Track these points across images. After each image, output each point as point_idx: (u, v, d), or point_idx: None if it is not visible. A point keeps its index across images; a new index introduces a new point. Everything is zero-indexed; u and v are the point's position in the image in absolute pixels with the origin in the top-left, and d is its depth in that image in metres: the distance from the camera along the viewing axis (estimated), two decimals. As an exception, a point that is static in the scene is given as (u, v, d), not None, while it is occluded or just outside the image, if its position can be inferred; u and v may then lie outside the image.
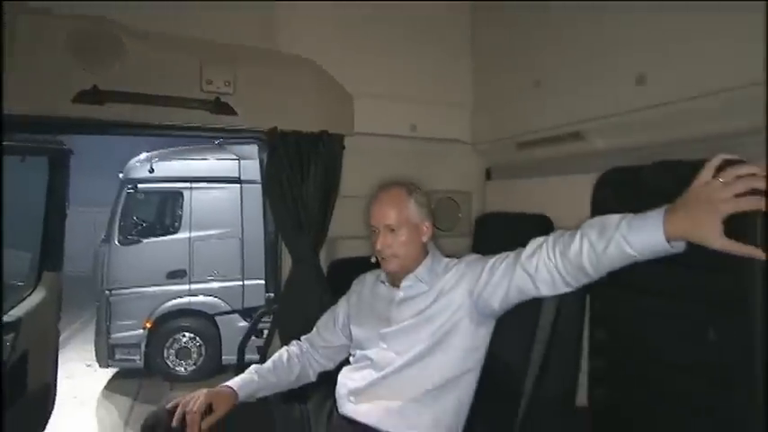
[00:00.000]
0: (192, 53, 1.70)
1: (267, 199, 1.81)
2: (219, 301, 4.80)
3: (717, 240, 0.86)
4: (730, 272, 0.99)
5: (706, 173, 0.90)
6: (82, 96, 1.53)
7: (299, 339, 1.60)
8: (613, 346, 1.30)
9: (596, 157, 1.40)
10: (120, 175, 4.89)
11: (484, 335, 1.37)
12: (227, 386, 1.38)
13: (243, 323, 4.65)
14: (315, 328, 1.61)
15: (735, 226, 0.86)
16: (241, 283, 4.80)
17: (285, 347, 1.59)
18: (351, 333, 1.51)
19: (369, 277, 1.58)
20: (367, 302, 1.50)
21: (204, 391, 1.32)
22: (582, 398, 1.39)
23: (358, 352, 1.45)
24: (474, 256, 1.40)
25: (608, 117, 1.37)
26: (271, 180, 1.80)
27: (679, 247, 0.92)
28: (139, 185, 4.76)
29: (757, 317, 0.96)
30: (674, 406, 1.12)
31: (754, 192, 0.84)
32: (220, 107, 1.68)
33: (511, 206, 1.79)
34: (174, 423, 1.24)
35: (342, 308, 1.58)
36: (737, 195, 0.85)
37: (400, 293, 1.41)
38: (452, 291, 1.34)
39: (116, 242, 4.72)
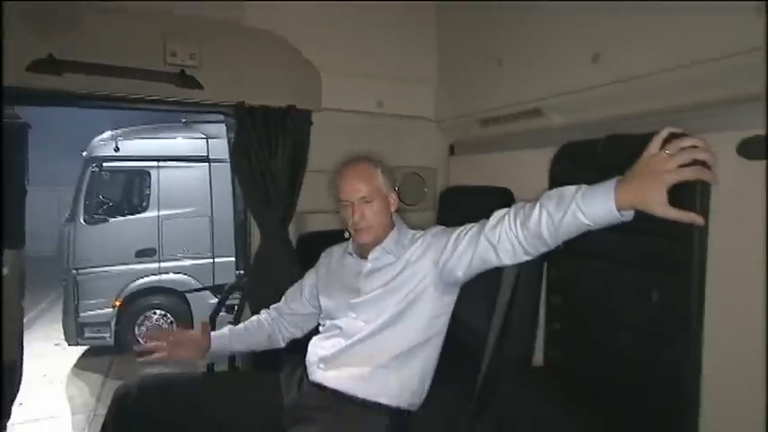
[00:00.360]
0: (154, 24, 1.60)
1: (235, 174, 1.75)
2: (190, 278, 4.72)
3: (662, 208, 0.88)
4: (672, 237, 1.03)
5: (653, 145, 0.92)
6: (37, 65, 1.43)
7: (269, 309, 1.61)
8: (568, 309, 1.34)
9: (555, 133, 1.41)
10: (84, 154, 4.67)
11: (447, 303, 1.39)
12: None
13: (214, 300, 4.47)
14: (283, 299, 1.62)
15: (678, 195, 0.88)
16: (211, 260, 4.72)
17: (259, 315, 1.60)
18: (319, 303, 1.51)
19: (336, 250, 1.58)
20: (335, 274, 1.50)
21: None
22: (538, 358, 1.43)
23: (328, 321, 1.45)
24: (439, 228, 1.41)
25: (565, 94, 1.38)
26: (239, 155, 1.75)
27: (628, 215, 0.95)
28: (104, 164, 4.56)
29: (694, 278, 1.00)
30: (621, 362, 1.17)
31: (695, 163, 0.87)
32: (185, 80, 1.60)
33: (473, 180, 1.80)
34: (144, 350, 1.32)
35: (309, 279, 1.58)
36: (681, 166, 0.87)
37: (368, 265, 1.42)
38: (418, 261, 1.35)
39: (81, 221, 4.53)
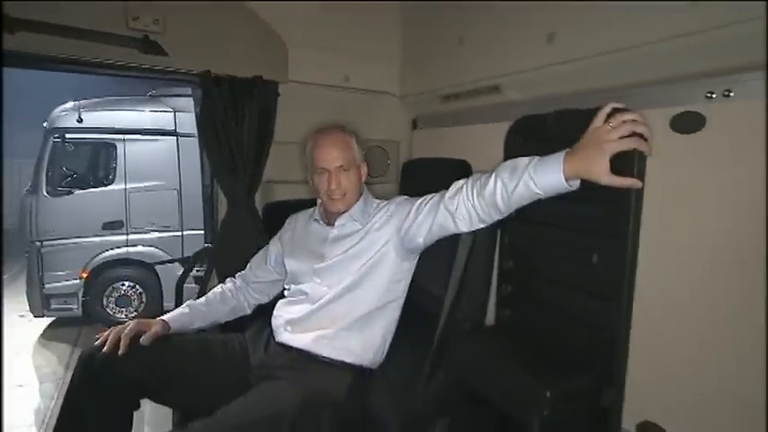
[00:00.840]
0: None
1: (202, 143, 1.69)
2: (158, 250, 4.57)
3: (605, 176, 0.93)
4: (611, 205, 1.07)
5: (598, 119, 0.97)
6: (-14, 21, 1.31)
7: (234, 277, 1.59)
8: (518, 273, 1.39)
9: (511, 108, 1.44)
10: (45, 124, 4.39)
11: (407, 269, 1.42)
12: (159, 318, 1.35)
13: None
14: (248, 266, 1.59)
15: (617, 166, 0.93)
16: (180, 233, 4.58)
17: (220, 284, 1.57)
18: (285, 269, 1.50)
19: (301, 216, 1.56)
20: (301, 240, 1.49)
21: (135, 320, 1.28)
22: (490, 318, 1.49)
23: (293, 286, 1.45)
24: (402, 198, 1.42)
25: (522, 72, 1.40)
26: (205, 124, 1.69)
27: (575, 184, 0.99)
28: (67, 136, 4.31)
29: (630, 241, 1.06)
30: (564, 319, 1.23)
31: (634, 135, 0.91)
32: (149, 46, 1.52)
33: (434, 153, 1.82)
34: (106, 349, 1.19)
35: (274, 246, 1.57)
36: (622, 138, 0.92)
37: (334, 231, 1.42)
38: (382, 228, 1.37)
39: (44, 193, 4.30)
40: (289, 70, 1.83)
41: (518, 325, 1.39)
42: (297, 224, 1.55)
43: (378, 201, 1.46)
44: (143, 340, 1.23)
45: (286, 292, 1.48)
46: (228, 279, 1.59)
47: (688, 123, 0.98)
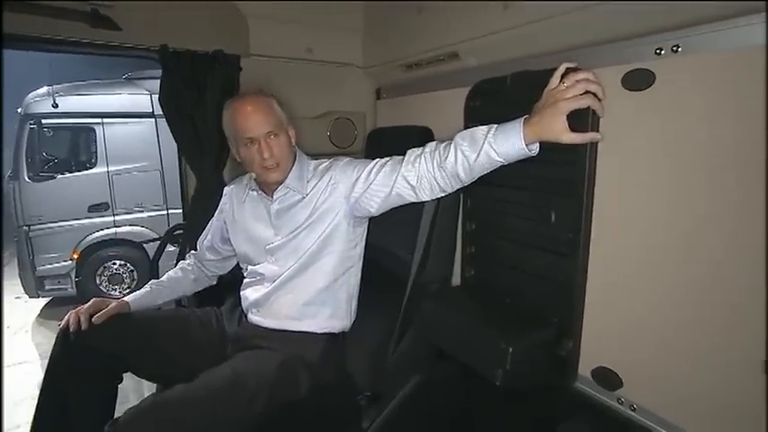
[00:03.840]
0: None
1: (166, 120, 1.54)
2: (145, 229, 4.39)
3: (565, 135, 0.88)
4: (567, 164, 1.03)
5: (553, 79, 0.91)
6: None
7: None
8: (480, 234, 1.34)
9: (470, 73, 1.35)
10: (19, 110, 4.07)
11: (360, 233, 1.32)
12: (121, 300, 1.25)
13: (171, 248, 4.32)
14: (198, 246, 1.48)
15: (573, 126, 0.88)
16: (165, 212, 4.40)
17: (180, 262, 1.48)
18: (233, 246, 1.39)
19: (236, 188, 1.39)
20: (244, 217, 1.34)
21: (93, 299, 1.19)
22: (456, 279, 1.44)
23: (249, 268, 1.35)
24: (343, 161, 1.28)
25: (479, 38, 1.32)
26: (167, 100, 1.53)
27: (535, 149, 0.93)
28: (44, 121, 4.01)
29: (585, 199, 1.01)
30: (525, 276, 1.20)
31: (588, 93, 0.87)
32: (99, 20, 1.34)
33: (398, 121, 1.72)
34: (72, 328, 1.12)
35: (218, 222, 1.43)
36: (576, 96, 0.87)
37: (275, 205, 1.27)
38: (328, 200, 1.24)
39: (26, 179, 4.03)
40: (250, 44, 1.68)
41: (482, 284, 1.35)
42: (234, 197, 1.39)
43: (314, 162, 1.31)
44: (95, 319, 1.13)
45: (245, 273, 1.38)
46: (188, 255, 1.51)
47: (638, 80, 0.92)
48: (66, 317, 1.15)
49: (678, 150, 0.87)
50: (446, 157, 1.03)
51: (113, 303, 1.20)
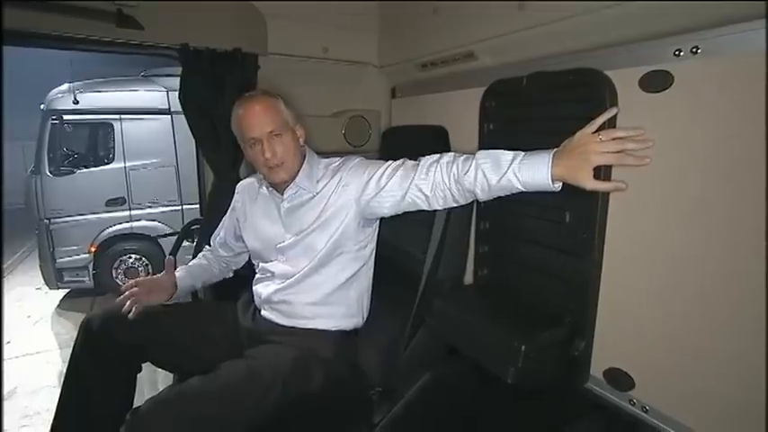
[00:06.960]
0: None
1: (186, 117, 1.57)
2: (160, 224, 4.47)
3: (590, 183, 0.88)
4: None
5: (591, 127, 0.90)
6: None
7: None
8: (494, 233, 1.34)
9: (485, 73, 1.35)
10: (42, 107, 4.17)
11: (371, 232, 1.33)
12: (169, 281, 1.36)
13: (186, 243, 4.38)
14: (211, 241, 1.51)
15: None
16: (179, 207, 4.47)
17: (199, 254, 1.53)
18: (245, 243, 1.41)
19: (249, 185, 1.41)
20: (254, 212, 1.36)
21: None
22: (468, 278, 1.45)
23: (261, 265, 1.36)
24: (355, 162, 1.27)
25: (495, 38, 1.31)
26: (187, 98, 1.56)
27: (558, 186, 0.93)
28: (64, 117, 4.10)
29: (600, 201, 1.01)
30: (538, 276, 1.20)
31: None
32: (123, 20, 1.37)
33: (413, 120, 1.72)
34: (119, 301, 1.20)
35: (230, 221, 1.45)
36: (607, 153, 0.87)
37: (285, 203, 1.27)
38: (338, 200, 1.23)
39: (48, 173, 4.14)
40: (268, 43, 1.70)
41: (494, 282, 1.36)
42: (246, 194, 1.40)
43: (325, 161, 1.30)
44: (131, 316, 1.19)
45: (256, 269, 1.40)
46: (205, 248, 1.55)
47: (656, 82, 0.91)
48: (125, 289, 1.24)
49: (695, 152, 0.86)
50: (465, 173, 1.02)
51: (165, 283, 1.32)
